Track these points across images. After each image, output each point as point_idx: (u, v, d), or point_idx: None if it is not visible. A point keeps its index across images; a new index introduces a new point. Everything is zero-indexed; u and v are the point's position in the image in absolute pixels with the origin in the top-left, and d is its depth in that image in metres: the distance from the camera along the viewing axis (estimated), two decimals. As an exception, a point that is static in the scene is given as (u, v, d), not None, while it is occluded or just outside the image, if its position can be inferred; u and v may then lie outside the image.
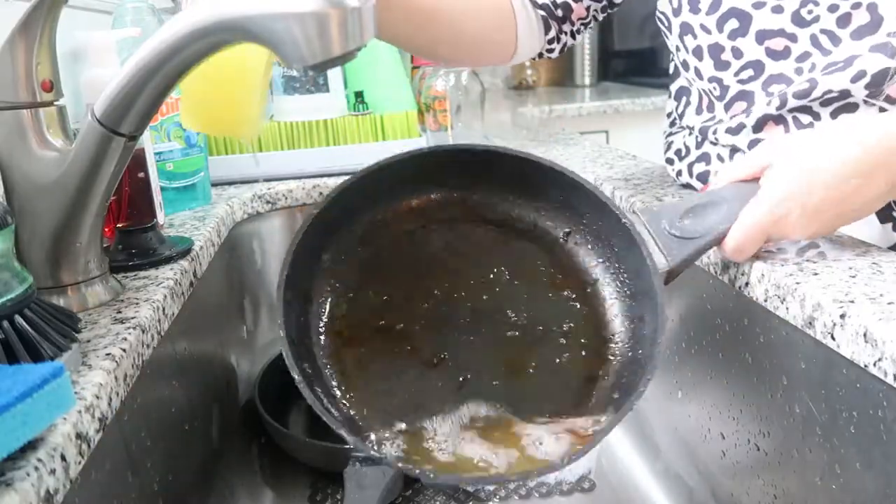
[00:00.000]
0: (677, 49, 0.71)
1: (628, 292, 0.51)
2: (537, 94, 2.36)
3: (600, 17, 0.77)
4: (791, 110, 0.62)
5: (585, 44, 2.41)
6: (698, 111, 0.72)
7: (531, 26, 0.75)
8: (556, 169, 0.52)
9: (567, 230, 0.54)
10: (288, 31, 0.41)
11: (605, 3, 0.75)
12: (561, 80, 2.53)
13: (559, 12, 0.75)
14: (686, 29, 0.67)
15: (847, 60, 0.59)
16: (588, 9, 0.75)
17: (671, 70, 0.78)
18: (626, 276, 0.51)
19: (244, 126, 0.59)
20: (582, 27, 0.77)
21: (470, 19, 0.72)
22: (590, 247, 0.53)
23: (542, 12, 0.74)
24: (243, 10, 0.41)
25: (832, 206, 0.49)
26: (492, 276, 0.52)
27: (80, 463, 0.36)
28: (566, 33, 0.77)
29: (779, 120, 0.63)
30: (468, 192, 0.54)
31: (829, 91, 0.59)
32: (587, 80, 2.46)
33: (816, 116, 0.61)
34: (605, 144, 1.53)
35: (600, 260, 0.53)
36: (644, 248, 0.49)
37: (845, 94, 0.59)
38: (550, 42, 0.77)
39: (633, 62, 2.53)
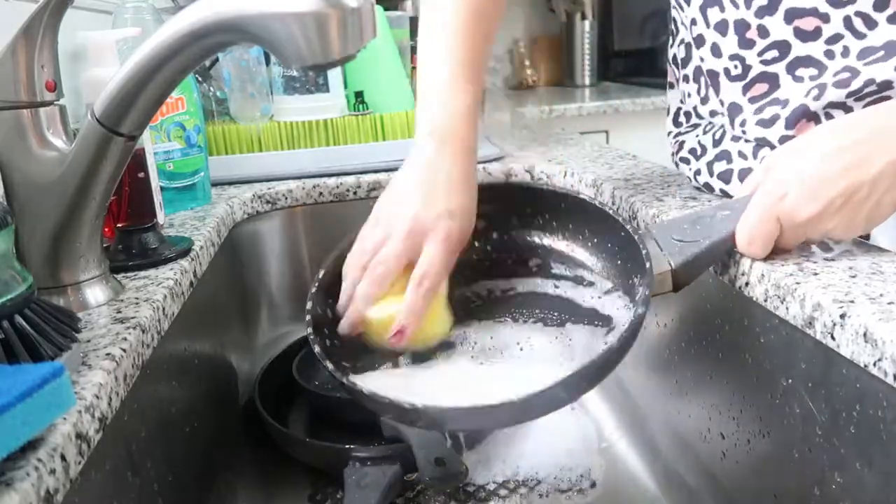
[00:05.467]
0: (693, 23, 0.68)
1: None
2: (537, 94, 2.35)
3: None
4: (826, 106, 0.60)
5: (585, 44, 2.41)
6: (703, 100, 0.70)
7: None
8: (558, 192, 0.60)
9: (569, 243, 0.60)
10: (287, 31, 0.41)
11: None
12: (561, 79, 2.53)
13: None
14: (712, 1, 0.65)
15: (886, 47, 0.57)
16: None
17: (672, 55, 0.77)
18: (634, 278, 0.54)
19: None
20: None
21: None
22: (590, 253, 0.58)
23: None
24: (243, 10, 0.41)
25: (835, 179, 0.47)
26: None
27: (80, 463, 0.36)
28: None
29: (812, 117, 0.61)
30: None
31: (871, 81, 0.57)
32: (587, 80, 2.45)
33: (849, 111, 0.60)
34: (605, 144, 1.53)
35: (606, 264, 0.56)
36: (644, 251, 0.51)
37: (886, 84, 0.57)
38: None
39: (633, 62, 2.53)
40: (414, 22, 1.53)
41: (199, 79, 1.04)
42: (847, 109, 0.59)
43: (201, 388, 0.65)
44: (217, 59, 1.05)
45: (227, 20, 0.42)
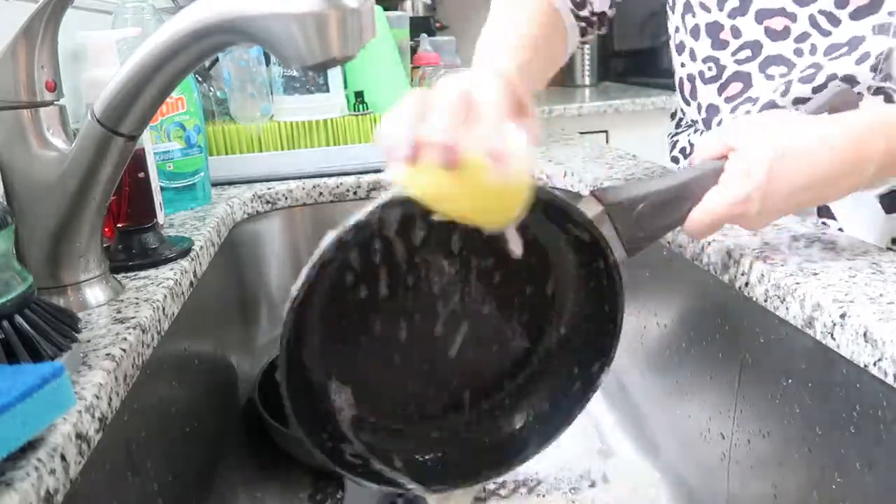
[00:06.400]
0: (676, 30, 0.71)
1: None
2: (537, 94, 2.35)
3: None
4: (794, 101, 0.61)
5: (585, 44, 2.41)
6: (683, 111, 0.71)
7: (574, 33, 0.78)
8: None
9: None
10: (287, 31, 0.41)
11: None
12: (561, 80, 2.53)
13: (595, 19, 0.78)
14: (687, 8, 0.67)
15: (850, 43, 0.59)
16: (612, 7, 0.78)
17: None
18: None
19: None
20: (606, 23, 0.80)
21: (553, 47, 0.75)
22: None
23: (583, 23, 0.77)
24: (243, 10, 0.41)
25: (805, 201, 0.49)
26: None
27: (80, 463, 0.36)
28: (594, 30, 0.81)
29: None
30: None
31: (834, 76, 0.59)
32: (587, 80, 2.45)
33: None
34: (605, 144, 1.53)
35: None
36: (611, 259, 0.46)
37: (849, 78, 0.58)
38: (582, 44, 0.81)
39: (633, 62, 2.53)
40: (414, 22, 1.54)
41: (199, 79, 1.04)
42: None
43: (201, 388, 0.65)
44: (217, 59, 1.06)
45: (227, 20, 0.42)
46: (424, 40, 1.49)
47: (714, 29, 0.65)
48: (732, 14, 0.63)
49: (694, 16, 0.67)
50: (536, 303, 0.50)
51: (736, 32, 0.64)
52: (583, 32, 0.79)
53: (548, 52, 0.69)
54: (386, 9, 1.18)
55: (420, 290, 0.48)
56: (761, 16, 0.62)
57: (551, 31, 0.70)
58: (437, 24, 2.16)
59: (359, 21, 0.42)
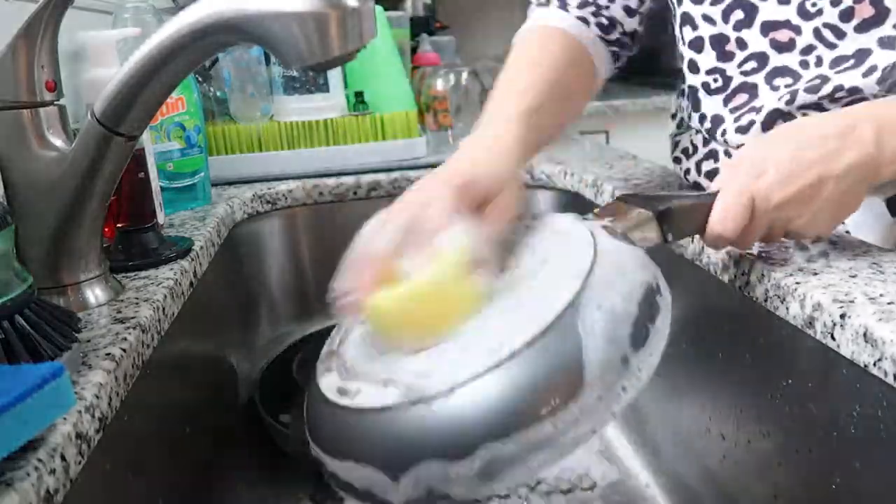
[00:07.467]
0: (675, 42, 0.71)
1: None
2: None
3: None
4: (800, 107, 0.61)
5: (585, 44, 2.41)
6: (689, 117, 0.71)
7: (604, 63, 0.75)
8: None
9: None
10: (287, 31, 0.41)
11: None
12: (561, 80, 2.52)
13: (628, 40, 0.76)
14: (686, 19, 0.67)
15: (857, 55, 0.59)
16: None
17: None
18: None
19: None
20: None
21: (574, 91, 0.72)
22: None
23: (615, 47, 0.75)
24: (243, 9, 0.41)
25: (807, 168, 0.48)
26: None
27: (80, 463, 0.36)
28: (627, 52, 0.78)
29: (787, 118, 0.62)
30: None
31: (840, 87, 0.59)
32: (587, 80, 2.45)
33: (824, 110, 0.61)
34: (605, 144, 1.53)
35: None
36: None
37: (855, 90, 0.58)
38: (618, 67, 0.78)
39: (634, 62, 2.52)
40: (414, 22, 1.54)
41: (199, 79, 1.03)
42: (822, 109, 0.60)
43: (201, 388, 0.65)
44: (217, 59, 1.05)
45: (227, 20, 0.42)
46: (424, 40, 1.49)
47: (719, 41, 0.65)
48: (738, 26, 0.63)
49: (695, 28, 0.66)
50: None
51: (742, 44, 0.64)
52: (616, 58, 0.76)
53: (563, 93, 0.67)
54: (386, 9, 1.18)
55: None
56: (767, 27, 0.62)
57: (572, 69, 0.69)
58: (437, 24, 2.16)
59: (359, 21, 0.42)
